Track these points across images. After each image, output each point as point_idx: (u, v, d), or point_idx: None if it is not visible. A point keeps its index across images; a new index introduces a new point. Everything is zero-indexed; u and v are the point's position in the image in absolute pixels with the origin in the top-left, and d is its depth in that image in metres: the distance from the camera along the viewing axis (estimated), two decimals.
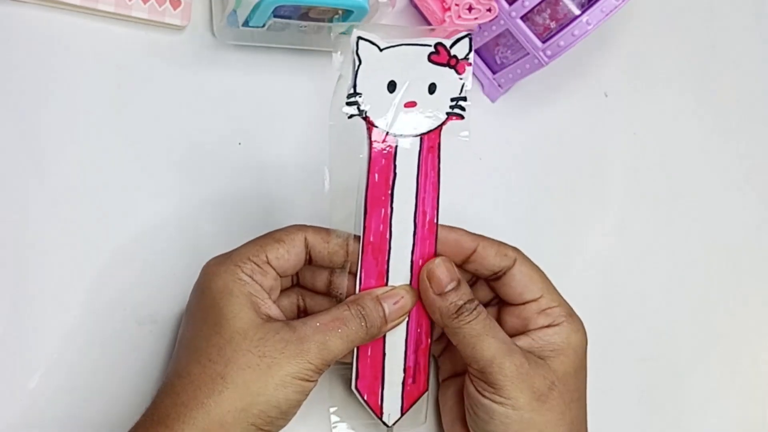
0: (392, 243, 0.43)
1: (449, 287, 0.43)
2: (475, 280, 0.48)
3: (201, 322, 0.41)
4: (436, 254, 0.44)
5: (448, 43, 0.43)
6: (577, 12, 0.52)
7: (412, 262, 0.44)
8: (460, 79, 0.43)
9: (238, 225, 0.50)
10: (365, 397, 0.44)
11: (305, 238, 0.43)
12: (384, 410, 0.45)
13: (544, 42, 0.53)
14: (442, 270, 0.44)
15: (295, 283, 0.47)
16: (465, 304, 0.43)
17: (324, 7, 0.48)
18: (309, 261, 0.44)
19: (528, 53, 0.54)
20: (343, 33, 0.49)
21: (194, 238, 0.49)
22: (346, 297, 0.44)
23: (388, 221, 0.43)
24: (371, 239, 0.43)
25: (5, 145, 0.46)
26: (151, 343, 0.47)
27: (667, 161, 0.64)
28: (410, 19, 0.58)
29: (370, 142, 0.42)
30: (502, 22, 0.54)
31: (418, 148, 0.43)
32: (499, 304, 0.48)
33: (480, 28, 0.55)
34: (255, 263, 0.41)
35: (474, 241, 0.45)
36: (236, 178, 0.51)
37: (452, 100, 0.44)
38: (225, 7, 0.49)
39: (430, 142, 0.43)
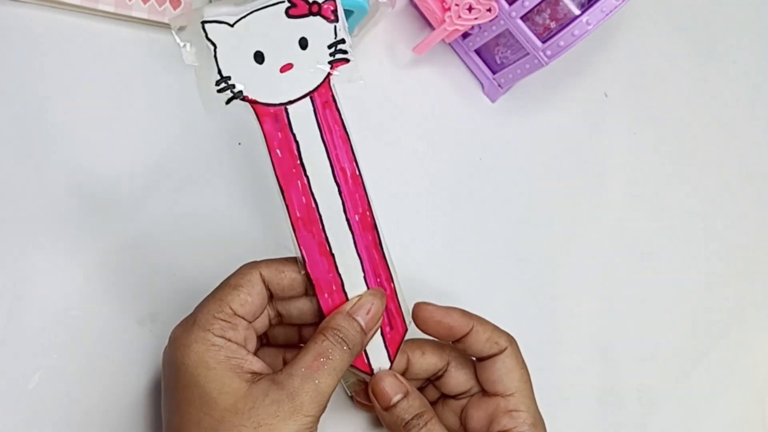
0: (321, 211, 0.42)
1: (395, 399, 0.43)
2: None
3: (186, 404, 0.38)
4: (370, 206, 0.43)
5: None
6: (577, 12, 0.52)
7: (348, 220, 0.42)
8: (330, 23, 0.41)
9: (238, 224, 0.50)
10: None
11: (260, 274, 0.41)
12: (372, 366, 0.44)
13: (544, 42, 0.53)
14: (385, 384, 0.43)
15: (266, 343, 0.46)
16: (413, 419, 0.42)
17: None
18: (270, 297, 0.42)
19: (528, 53, 0.54)
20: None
21: (194, 237, 0.49)
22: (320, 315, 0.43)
23: (309, 191, 0.41)
24: (298, 215, 0.41)
25: (5, 145, 0.46)
26: (151, 343, 0.47)
27: (667, 161, 0.64)
28: (410, 18, 0.58)
29: (259, 120, 0.40)
30: (502, 22, 0.54)
31: (311, 109, 0.41)
32: (469, 395, 0.47)
33: (479, 27, 0.55)
34: (222, 319, 0.39)
35: (468, 324, 0.44)
36: (236, 178, 0.51)
37: (330, 47, 0.41)
38: None
39: (322, 97, 0.41)
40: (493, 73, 0.58)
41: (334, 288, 0.42)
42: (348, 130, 0.42)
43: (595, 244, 0.60)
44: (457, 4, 0.53)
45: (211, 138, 0.51)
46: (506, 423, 0.44)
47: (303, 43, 0.40)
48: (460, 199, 0.56)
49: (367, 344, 0.43)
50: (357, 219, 0.42)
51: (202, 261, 0.49)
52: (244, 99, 0.40)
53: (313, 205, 0.41)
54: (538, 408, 0.45)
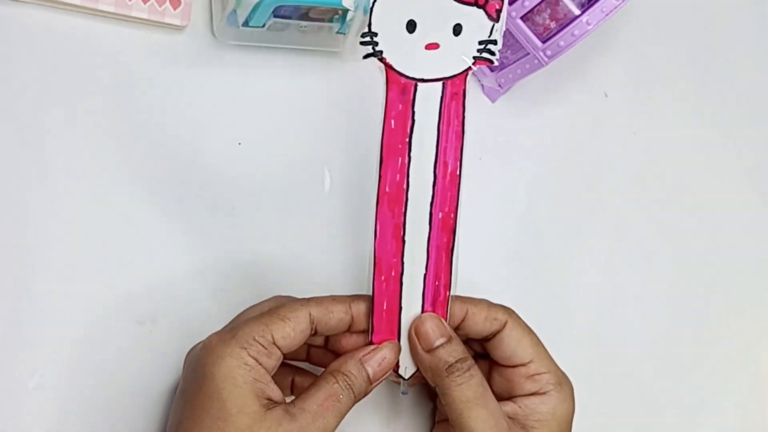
0: (410, 194, 0.42)
1: (438, 343, 0.43)
2: None
3: (202, 411, 0.39)
4: (457, 209, 0.43)
5: None
6: (577, 12, 0.52)
7: (431, 214, 0.42)
8: (490, 20, 0.41)
9: (238, 225, 0.50)
10: None
11: (309, 314, 0.42)
12: (400, 364, 0.44)
13: (544, 42, 0.53)
14: (429, 325, 0.43)
15: None
16: (456, 362, 0.42)
17: (324, 7, 0.48)
18: (314, 333, 0.43)
19: (528, 53, 0.54)
20: (339, 33, 0.49)
21: (194, 236, 0.49)
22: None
23: (406, 171, 0.41)
24: (387, 189, 0.41)
25: (5, 146, 0.46)
26: (151, 343, 0.47)
27: (667, 161, 0.64)
28: None
29: (387, 85, 0.40)
30: None
31: (440, 94, 0.41)
32: (491, 359, 0.47)
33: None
34: (261, 344, 0.40)
35: (461, 309, 0.44)
36: (236, 179, 0.51)
37: (480, 43, 0.41)
38: (225, 7, 0.49)
39: (454, 87, 0.41)
40: (493, 72, 0.58)
41: (393, 274, 0.42)
42: (465, 129, 0.42)
43: (595, 243, 0.60)
44: None
45: (211, 138, 0.51)
46: (530, 387, 0.44)
47: (457, 30, 0.41)
48: (459, 199, 0.56)
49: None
50: (440, 216, 0.42)
51: (202, 261, 0.49)
52: (381, 60, 0.40)
53: (405, 186, 0.42)
54: (559, 367, 0.45)
